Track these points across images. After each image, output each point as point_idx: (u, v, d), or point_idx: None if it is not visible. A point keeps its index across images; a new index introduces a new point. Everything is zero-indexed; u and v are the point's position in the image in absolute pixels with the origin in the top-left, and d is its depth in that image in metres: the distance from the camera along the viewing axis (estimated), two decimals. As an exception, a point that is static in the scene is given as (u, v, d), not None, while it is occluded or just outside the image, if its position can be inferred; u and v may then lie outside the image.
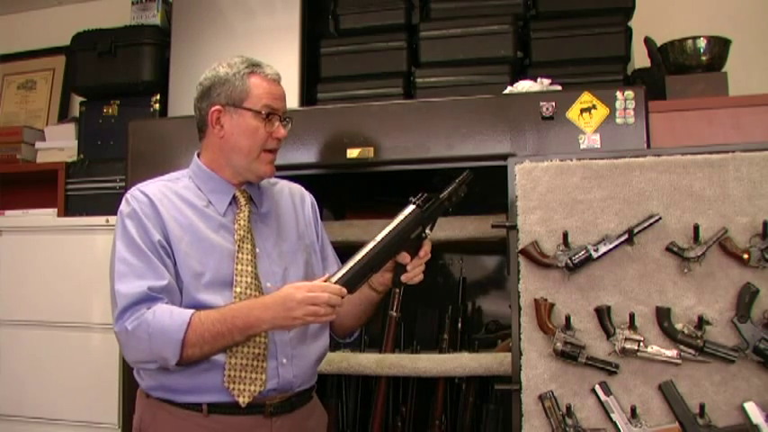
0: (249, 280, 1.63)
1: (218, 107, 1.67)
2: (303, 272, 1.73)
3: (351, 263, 1.58)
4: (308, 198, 1.88)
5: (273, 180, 1.83)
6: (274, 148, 1.69)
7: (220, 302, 1.59)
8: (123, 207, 1.66)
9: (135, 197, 1.66)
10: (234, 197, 1.71)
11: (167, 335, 1.51)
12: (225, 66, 1.69)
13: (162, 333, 1.52)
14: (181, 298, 1.60)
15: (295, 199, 1.84)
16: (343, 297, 1.53)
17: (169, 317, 1.53)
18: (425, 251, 1.66)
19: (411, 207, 1.66)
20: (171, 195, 1.67)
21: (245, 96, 1.65)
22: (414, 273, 1.65)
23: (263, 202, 1.76)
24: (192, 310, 1.55)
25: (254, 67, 1.67)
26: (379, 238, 1.61)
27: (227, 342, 1.54)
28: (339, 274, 1.56)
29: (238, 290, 1.61)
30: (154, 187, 1.69)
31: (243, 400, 1.58)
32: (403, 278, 1.65)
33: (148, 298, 1.55)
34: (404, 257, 1.64)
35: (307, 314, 1.49)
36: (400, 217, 1.64)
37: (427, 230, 1.68)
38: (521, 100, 2.09)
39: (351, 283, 1.55)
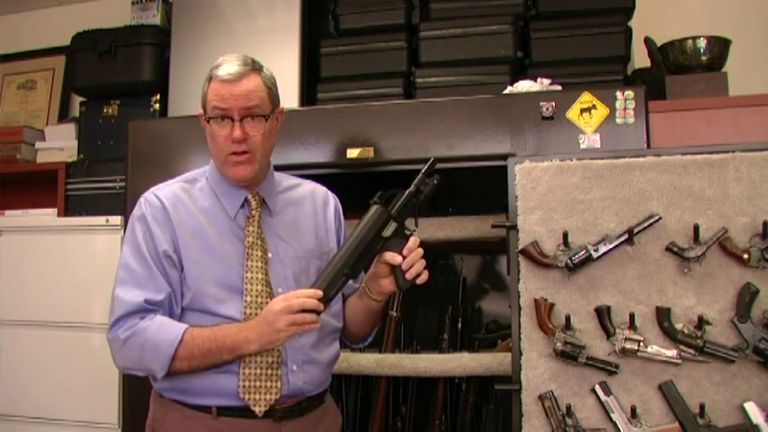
0: (260, 287, 1.61)
1: (200, 113, 1.68)
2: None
3: (323, 271, 1.58)
4: (332, 202, 1.82)
5: (297, 181, 1.80)
6: (233, 152, 1.62)
7: (231, 310, 1.59)
8: (136, 211, 1.66)
9: (149, 201, 1.66)
10: (246, 200, 1.68)
11: (159, 349, 1.53)
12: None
13: (154, 346, 1.53)
14: (179, 310, 1.61)
15: (317, 202, 1.79)
16: (320, 300, 1.51)
17: (162, 330, 1.54)
18: (410, 247, 1.60)
19: (372, 207, 1.62)
20: (185, 199, 1.67)
21: (204, 102, 1.65)
22: (411, 271, 1.60)
23: (278, 205, 1.72)
24: (185, 325, 1.56)
25: (213, 70, 1.64)
26: (345, 243, 1.61)
27: (216, 360, 1.55)
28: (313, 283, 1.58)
29: (249, 299, 1.60)
30: (169, 190, 1.68)
31: (259, 409, 1.58)
32: (407, 276, 1.61)
33: (144, 309, 1.56)
34: (393, 258, 1.59)
35: (288, 324, 1.49)
36: (363, 219, 1.61)
37: (411, 227, 1.64)
38: (521, 100, 2.09)
39: (324, 290, 1.54)
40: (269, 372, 1.59)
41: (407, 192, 1.65)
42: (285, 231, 1.71)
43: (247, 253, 1.63)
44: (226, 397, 1.58)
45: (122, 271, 1.61)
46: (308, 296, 1.51)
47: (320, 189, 1.82)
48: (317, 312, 1.52)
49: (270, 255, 1.66)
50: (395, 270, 1.62)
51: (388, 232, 1.61)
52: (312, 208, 1.77)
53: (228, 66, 1.62)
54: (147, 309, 1.56)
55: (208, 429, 1.59)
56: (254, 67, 1.65)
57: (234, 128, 1.60)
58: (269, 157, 1.71)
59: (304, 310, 1.50)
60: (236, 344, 1.54)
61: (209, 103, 1.62)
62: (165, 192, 1.67)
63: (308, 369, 1.64)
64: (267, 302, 1.59)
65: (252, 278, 1.61)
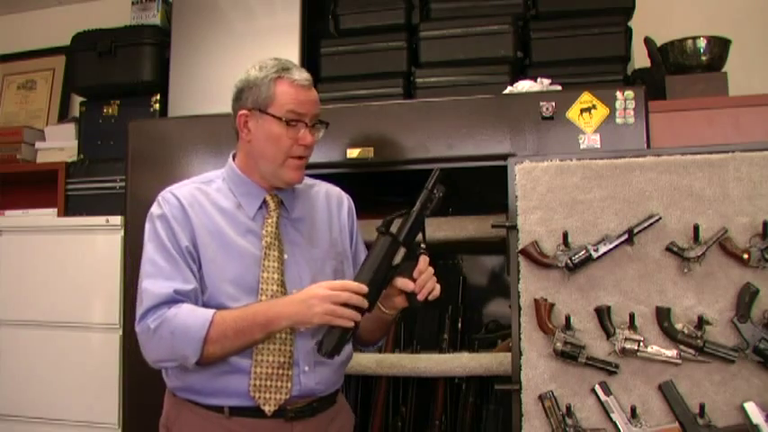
0: (275, 288, 1.62)
1: (245, 111, 1.67)
2: (331, 280, 1.67)
3: None
4: (346, 202, 1.84)
5: (311, 182, 1.82)
6: (302, 155, 1.67)
7: None
8: (155, 209, 1.67)
9: (167, 200, 1.66)
10: (264, 201, 1.70)
11: (189, 333, 1.53)
12: (257, 68, 1.67)
13: (184, 331, 1.53)
14: (203, 303, 1.61)
15: (331, 203, 1.81)
16: (363, 295, 1.52)
17: (192, 315, 1.55)
18: (420, 269, 1.59)
19: (380, 239, 1.59)
20: (202, 199, 1.68)
21: (270, 102, 1.64)
22: (423, 292, 1.59)
23: (296, 207, 1.74)
24: (213, 310, 1.56)
25: (282, 71, 1.64)
26: (356, 278, 1.57)
27: (248, 339, 1.55)
28: None
29: (263, 298, 1.61)
30: (186, 190, 1.69)
31: (269, 409, 1.58)
32: (419, 298, 1.59)
33: (173, 300, 1.56)
34: (405, 285, 1.58)
35: (326, 312, 1.50)
36: (372, 253, 1.59)
37: (422, 246, 1.62)
38: (521, 100, 2.09)
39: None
40: (280, 372, 1.59)
41: (413, 213, 1.62)
42: (302, 233, 1.72)
43: (264, 253, 1.64)
44: (237, 397, 1.59)
45: (148, 266, 1.61)
46: (354, 290, 1.51)
47: (334, 190, 1.85)
48: (360, 311, 1.52)
49: (286, 256, 1.67)
50: (407, 292, 1.61)
51: (397, 260, 1.60)
52: (327, 209, 1.79)
53: (298, 71, 1.66)
54: (176, 299, 1.57)
55: (220, 429, 1.60)
56: None
57: (306, 133, 1.64)
58: None
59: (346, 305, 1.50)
60: (269, 319, 1.54)
61: (284, 105, 1.63)
62: (182, 191, 1.68)
63: (319, 370, 1.64)
64: None
65: (268, 278, 1.62)
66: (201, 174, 1.81)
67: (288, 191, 1.73)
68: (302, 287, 1.63)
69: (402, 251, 1.60)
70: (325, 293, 1.51)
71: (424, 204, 1.63)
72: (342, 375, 1.75)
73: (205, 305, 1.61)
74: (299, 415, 1.62)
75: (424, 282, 1.60)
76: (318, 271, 1.69)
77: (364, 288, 1.52)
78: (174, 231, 1.62)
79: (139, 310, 1.58)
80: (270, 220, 1.67)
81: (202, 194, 1.69)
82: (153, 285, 1.58)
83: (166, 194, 1.68)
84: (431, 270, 1.62)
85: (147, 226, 1.66)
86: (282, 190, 1.72)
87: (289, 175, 1.67)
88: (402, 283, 1.59)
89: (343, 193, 1.85)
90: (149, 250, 1.63)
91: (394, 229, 1.61)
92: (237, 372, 1.59)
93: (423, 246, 1.63)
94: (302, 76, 1.66)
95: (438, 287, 1.62)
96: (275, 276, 1.63)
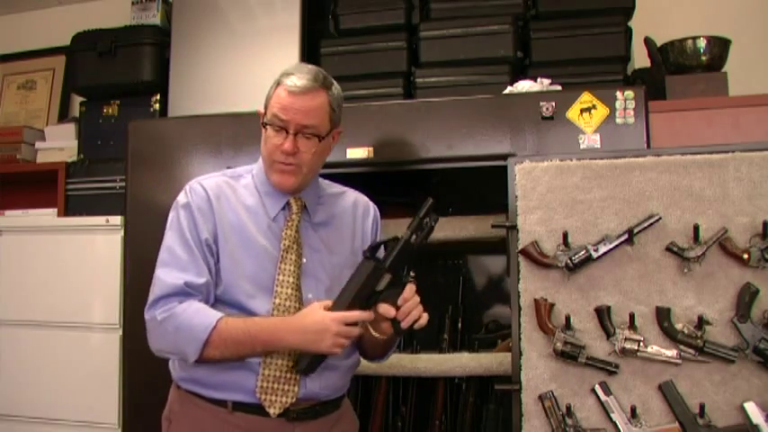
0: (290, 291, 1.62)
1: (260, 111, 1.70)
2: None
3: None
4: (372, 212, 1.82)
5: (340, 189, 1.82)
6: (282, 161, 1.64)
7: (259, 306, 1.60)
8: (180, 198, 1.68)
9: (194, 190, 1.68)
10: (287, 203, 1.69)
11: (192, 332, 1.54)
12: None
13: (188, 330, 1.55)
14: (213, 299, 1.62)
15: (357, 211, 1.80)
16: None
17: (198, 315, 1.56)
18: (405, 297, 1.57)
19: (364, 263, 1.58)
20: (229, 193, 1.69)
21: (267, 105, 1.67)
22: (408, 320, 1.58)
23: (318, 211, 1.73)
24: (220, 313, 1.57)
25: (284, 76, 1.65)
26: (340, 300, 1.57)
27: (248, 352, 1.57)
28: None
29: (277, 301, 1.61)
30: (213, 182, 1.70)
31: (273, 411, 1.59)
32: (402, 326, 1.58)
33: (183, 292, 1.58)
34: (387, 311, 1.56)
35: (335, 345, 1.54)
36: (354, 276, 1.59)
37: (411, 274, 1.61)
38: (521, 100, 2.09)
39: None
40: (288, 375, 1.60)
41: (402, 239, 1.61)
42: (323, 239, 1.71)
43: (282, 255, 1.64)
44: (243, 393, 1.59)
45: (165, 253, 1.63)
46: (361, 318, 1.57)
47: (362, 199, 1.83)
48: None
49: (304, 260, 1.66)
50: (392, 319, 1.60)
51: (381, 286, 1.58)
52: (352, 217, 1.78)
53: (298, 77, 1.62)
54: (187, 292, 1.58)
55: (222, 423, 1.60)
56: (324, 84, 1.64)
57: (286, 140, 1.62)
58: (316, 172, 1.72)
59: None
60: (272, 342, 1.56)
61: (271, 108, 1.64)
62: (209, 183, 1.69)
63: (326, 375, 1.64)
64: (296, 306, 1.61)
65: (283, 281, 1.62)
66: (201, 174, 1.80)
67: (312, 195, 1.73)
68: (318, 293, 1.64)
69: (387, 278, 1.58)
70: (339, 329, 1.53)
71: (413, 232, 1.61)
72: (348, 381, 1.75)
73: (219, 299, 1.62)
74: (302, 416, 1.62)
75: (409, 310, 1.58)
76: (336, 278, 1.68)
77: (371, 316, 1.57)
78: (197, 223, 1.63)
79: (150, 298, 1.60)
80: (291, 224, 1.67)
81: (230, 188, 1.70)
82: (166, 275, 1.60)
83: (194, 184, 1.69)
84: (416, 299, 1.60)
85: (171, 214, 1.68)
86: (308, 194, 1.72)
87: (274, 179, 1.67)
88: (384, 309, 1.58)
89: (370, 202, 1.84)
90: (169, 238, 1.64)
91: (380, 254, 1.61)
92: (245, 368, 1.59)
93: (411, 274, 1.62)
94: (296, 82, 1.61)
95: (425, 316, 1.60)
96: (290, 280, 1.63)
